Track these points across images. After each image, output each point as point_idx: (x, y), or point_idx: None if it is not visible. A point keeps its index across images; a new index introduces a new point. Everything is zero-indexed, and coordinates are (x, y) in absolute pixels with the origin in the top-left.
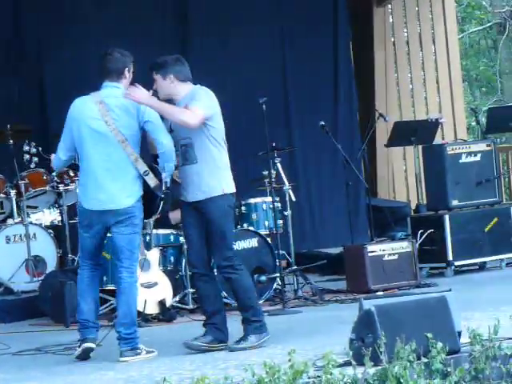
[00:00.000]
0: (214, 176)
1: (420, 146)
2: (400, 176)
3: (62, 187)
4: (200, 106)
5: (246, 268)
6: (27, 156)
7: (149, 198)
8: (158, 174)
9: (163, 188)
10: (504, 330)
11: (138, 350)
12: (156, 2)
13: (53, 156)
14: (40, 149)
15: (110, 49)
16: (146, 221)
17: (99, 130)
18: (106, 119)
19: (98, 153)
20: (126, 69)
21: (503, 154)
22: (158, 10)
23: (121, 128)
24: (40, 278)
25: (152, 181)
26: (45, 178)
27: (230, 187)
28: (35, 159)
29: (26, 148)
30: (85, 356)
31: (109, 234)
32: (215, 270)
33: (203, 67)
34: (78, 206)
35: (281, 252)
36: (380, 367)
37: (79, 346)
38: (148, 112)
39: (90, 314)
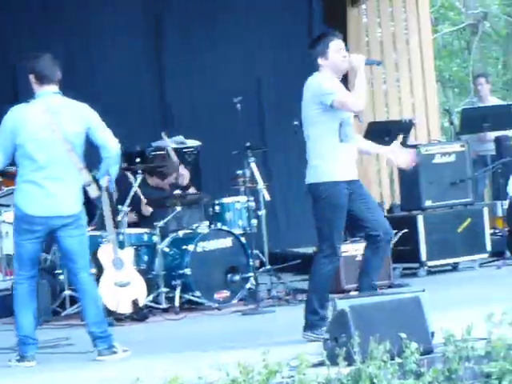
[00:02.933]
0: None
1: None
2: (374, 176)
3: None
4: None
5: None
6: None
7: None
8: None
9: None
10: (477, 331)
11: (115, 349)
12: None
13: None
14: None
15: (45, 55)
16: (119, 220)
17: (45, 138)
18: (52, 128)
19: (45, 160)
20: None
21: None
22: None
23: (67, 136)
24: (13, 277)
25: (93, 192)
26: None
27: None
28: None
29: None
30: None
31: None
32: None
33: (179, 68)
34: (15, 212)
35: (254, 251)
36: (354, 367)
37: (18, 361)
38: (92, 118)
39: (30, 330)
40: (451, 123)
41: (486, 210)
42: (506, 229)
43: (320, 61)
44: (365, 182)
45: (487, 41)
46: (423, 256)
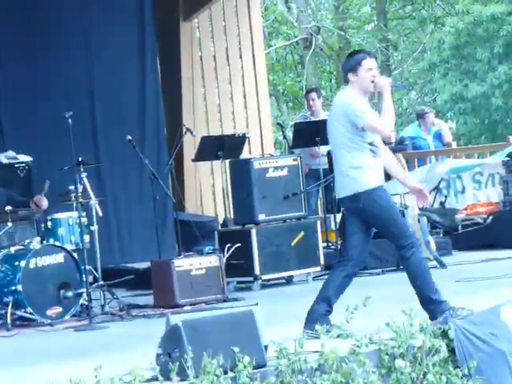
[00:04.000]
0: None
1: (227, 161)
2: (207, 190)
3: None
4: None
5: None
6: None
7: None
8: None
9: None
10: (310, 344)
11: None
12: None
13: None
14: None
15: None
16: None
17: None
18: None
19: None
20: None
21: None
22: None
23: None
24: None
25: None
26: None
27: None
28: None
29: None
30: None
31: None
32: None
33: (10, 81)
34: None
35: (87, 267)
36: (187, 382)
37: None
38: None
39: None
40: (284, 137)
41: (318, 224)
42: (339, 242)
43: (350, 76)
44: (199, 196)
45: (320, 55)
46: (257, 270)
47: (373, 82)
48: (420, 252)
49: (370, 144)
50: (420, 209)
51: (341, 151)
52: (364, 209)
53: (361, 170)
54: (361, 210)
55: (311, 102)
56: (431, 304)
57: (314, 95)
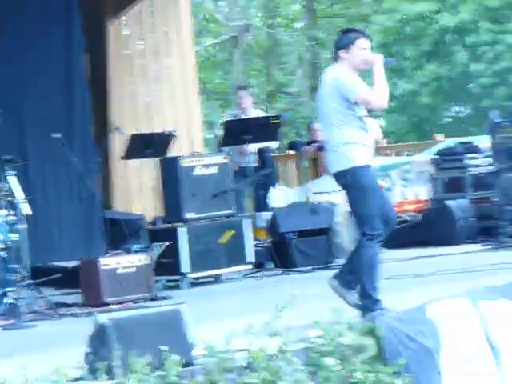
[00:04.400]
0: None
1: (156, 159)
2: (136, 188)
3: None
4: None
5: None
6: None
7: None
8: None
9: None
10: (238, 342)
11: None
12: None
13: None
14: None
15: None
16: None
17: None
18: None
19: None
20: None
21: None
22: None
23: None
24: None
25: None
26: None
27: None
28: None
29: None
30: None
31: None
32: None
33: None
34: None
35: (15, 266)
36: (115, 381)
37: None
38: None
39: None
40: (214, 135)
41: (248, 222)
42: (269, 240)
43: (341, 53)
44: (127, 194)
45: (250, 53)
46: (186, 268)
47: (364, 60)
48: (377, 248)
49: (361, 119)
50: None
51: (332, 128)
52: (348, 185)
53: (350, 145)
54: (345, 186)
55: (241, 100)
56: (367, 299)
57: (244, 93)
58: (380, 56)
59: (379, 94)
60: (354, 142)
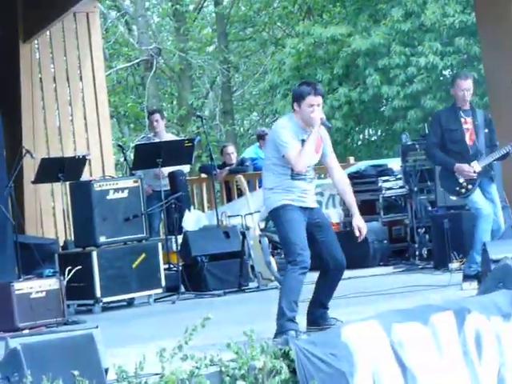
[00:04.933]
0: None
1: (68, 183)
2: (48, 213)
3: None
4: None
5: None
6: None
7: None
8: None
9: None
10: (150, 366)
11: None
12: None
13: None
14: None
15: None
16: None
17: None
18: None
19: None
20: None
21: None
22: None
23: None
24: None
25: None
26: None
27: None
28: None
29: None
30: None
31: None
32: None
33: None
34: None
35: None
36: None
37: None
38: None
39: None
40: (125, 159)
41: (160, 245)
42: (181, 263)
43: (294, 105)
44: (39, 218)
45: (162, 77)
46: (98, 292)
47: (310, 118)
48: (298, 272)
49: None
50: (261, 230)
51: (265, 172)
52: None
53: (272, 191)
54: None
55: (155, 124)
56: (281, 319)
57: (157, 116)
58: (321, 116)
59: (302, 159)
60: (275, 188)
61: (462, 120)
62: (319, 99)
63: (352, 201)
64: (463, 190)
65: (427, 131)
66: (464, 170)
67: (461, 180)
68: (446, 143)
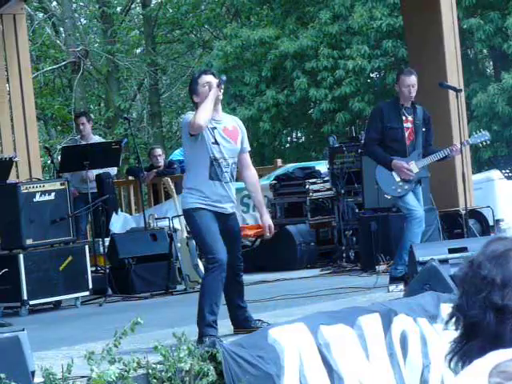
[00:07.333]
0: None
1: None
2: None
3: None
4: None
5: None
6: None
7: None
8: None
9: None
10: (77, 369)
11: None
12: None
13: None
14: None
15: None
16: None
17: None
18: None
19: None
20: None
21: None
22: None
23: None
24: None
25: None
26: None
27: None
28: None
29: None
30: None
31: None
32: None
33: None
34: None
35: None
36: None
37: None
38: None
39: None
40: (52, 161)
41: (87, 248)
42: (108, 266)
43: (194, 98)
44: None
45: (89, 79)
46: (25, 295)
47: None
48: (217, 273)
49: (212, 164)
50: (188, 232)
51: (185, 172)
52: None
53: (188, 190)
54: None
55: (81, 126)
56: (201, 323)
57: (83, 119)
58: (216, 80)
59: (200, 113)
60: (192, 188)
61: (404, 118)
62: (210, 77)
63: (261, 200)
64: (399, 190)
65: (367, 125)
66: (403, 167)
67: (397, 179)
68: (385, 140)
